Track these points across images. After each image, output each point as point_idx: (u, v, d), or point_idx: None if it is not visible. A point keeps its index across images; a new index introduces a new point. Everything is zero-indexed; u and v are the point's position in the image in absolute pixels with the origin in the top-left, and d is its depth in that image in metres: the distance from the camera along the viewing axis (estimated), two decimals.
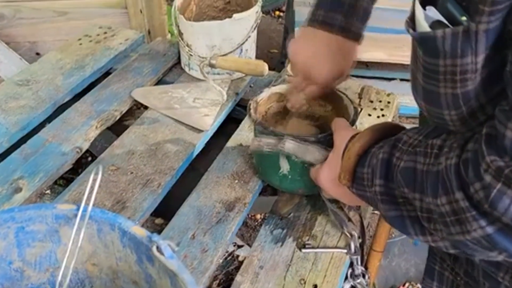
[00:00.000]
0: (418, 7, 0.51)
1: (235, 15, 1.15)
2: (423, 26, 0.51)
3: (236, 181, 0.97)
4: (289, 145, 0.82)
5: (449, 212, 0.50)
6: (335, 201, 0.89)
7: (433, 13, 0.50)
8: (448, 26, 0.48)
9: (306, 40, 0.87)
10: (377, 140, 0.67)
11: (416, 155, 0.57)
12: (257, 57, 1.29)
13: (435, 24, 0.50)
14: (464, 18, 0.47)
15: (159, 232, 0.89)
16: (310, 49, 0.85)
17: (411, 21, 0.53)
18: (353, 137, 0.70)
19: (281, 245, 0.86)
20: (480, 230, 0.48)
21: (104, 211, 0.57)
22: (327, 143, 0.82)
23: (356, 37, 0.85)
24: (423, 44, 0.51)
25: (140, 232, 0.54)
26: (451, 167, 0.50)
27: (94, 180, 0.59)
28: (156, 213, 0.96)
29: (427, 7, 0.50)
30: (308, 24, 0.85)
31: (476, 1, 0.45)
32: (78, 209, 0.56)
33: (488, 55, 0.48)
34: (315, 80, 0.86)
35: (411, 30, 0.52)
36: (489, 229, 0.47)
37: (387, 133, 0.68)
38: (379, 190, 0.62)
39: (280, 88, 0.98)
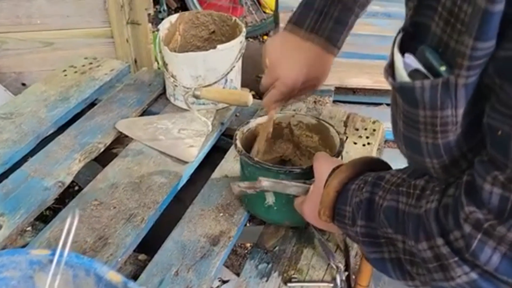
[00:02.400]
0: (397, 54, 0.50)
1: (219, 46, 1.15)
2: (402, 74, 0.49)
3: (221, 214, 0.95)
4: (266, 183, 0.82)
5: (431, 258, 0.49)
6: (323, 231, 0.88)
7: (412, 61, 0.48)
8: (427, 76, 0.47)
9: (283, 41, 0.84)
10: (356, 175, 0.67)
11: (398, 194, 0.56)
12: (245, 82, 1.29)
13: (414, 73, 0.48)
14: (443, 68, 0.46)
15: (143, 268, 0.87)
16: (285, 50, 0.82)
17: (390, 68, 0.51)
18: (333, 171, 0.69)
19: (266, 280, 0.84)
20: (465, 276, 0.47)
21: (79, 256, 0.56)
22: (302, 176, 0.82)
23: (335, 52, 0.83)
24: (402, 94, 0.50)
25: (115, 278, 0.53)
26: (431, 212, 0.49)
27: (72, 222, 0.57)
28: (139, 247, 0.94)
29: (406, 55, 0.48)
30: (290, 30, 0.82)
31: (453, 51, 0.44)
32: (52, 255, 0.54)
33: (468, 107, 0.46)
34: (283, 81, 0.82)
35: (390, 79, 0.51)
36: (474, 275, 0.46)
37: (366, 167, 0.67)
38: (360, 231, 0.61)
39: (266, 118, 0.98)
